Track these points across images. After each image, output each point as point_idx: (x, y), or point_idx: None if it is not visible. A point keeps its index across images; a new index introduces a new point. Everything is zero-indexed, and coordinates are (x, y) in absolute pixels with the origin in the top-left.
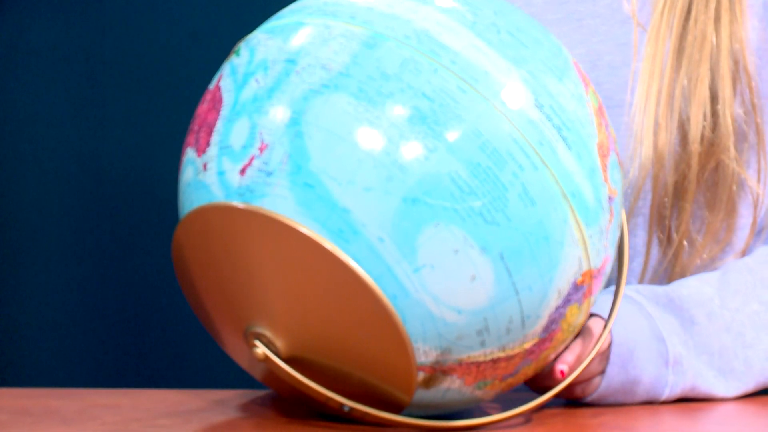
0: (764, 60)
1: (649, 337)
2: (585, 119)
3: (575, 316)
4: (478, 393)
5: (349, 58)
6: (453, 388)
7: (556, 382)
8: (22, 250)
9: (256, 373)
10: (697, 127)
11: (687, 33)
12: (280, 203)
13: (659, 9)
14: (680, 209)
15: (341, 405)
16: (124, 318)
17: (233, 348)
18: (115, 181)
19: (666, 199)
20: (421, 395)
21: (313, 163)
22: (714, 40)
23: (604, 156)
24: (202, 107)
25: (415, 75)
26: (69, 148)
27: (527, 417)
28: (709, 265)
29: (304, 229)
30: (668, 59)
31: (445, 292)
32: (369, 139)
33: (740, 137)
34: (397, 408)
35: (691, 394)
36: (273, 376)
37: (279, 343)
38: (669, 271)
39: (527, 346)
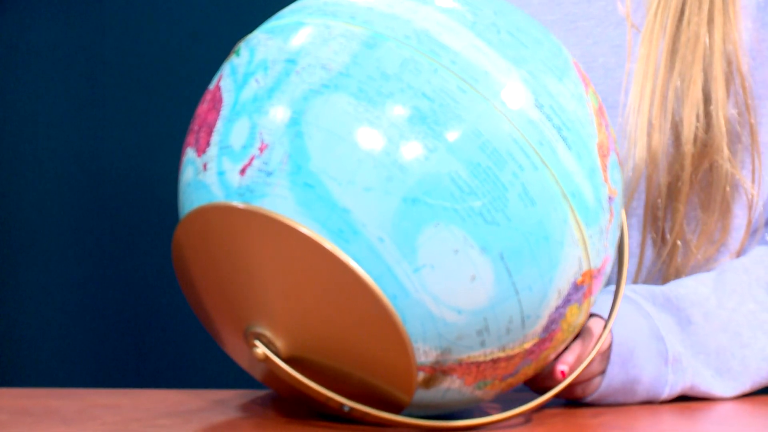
0: (758, 61)
1: (648, 337)
2: (585, 119)
3: (575, 316)
4: (478, 393)
5: (349, 58)
6: (453, 388)
7: (557, 383)
8: (22, 250)
9: (256, 373)
10: (690, 129)
11: (680, 34)
12: (280, 203)
13: (653, 10)
14: (674, 210)
15: (341, 405)
16: (124, 318)
17: (233, 348)
18: (115, 181)
19: (659, 200)
20: (421, 395)
21: (313, 163)
22: (707, 41)
23: (604, 156)
24: (202, 107)
25: (415, 75)
26: (69, 148)
27: (527, 417)
28: (704, 266)
29: (304, 229)
30: (661, 60)
31: (445, 292)
32: (369, 139)
33: (734, 138)
34: (397, 408)
35: (690, 393)
36: (273, 376)
37: (279, 343)
38: (663, 272)
39: (527, 346)
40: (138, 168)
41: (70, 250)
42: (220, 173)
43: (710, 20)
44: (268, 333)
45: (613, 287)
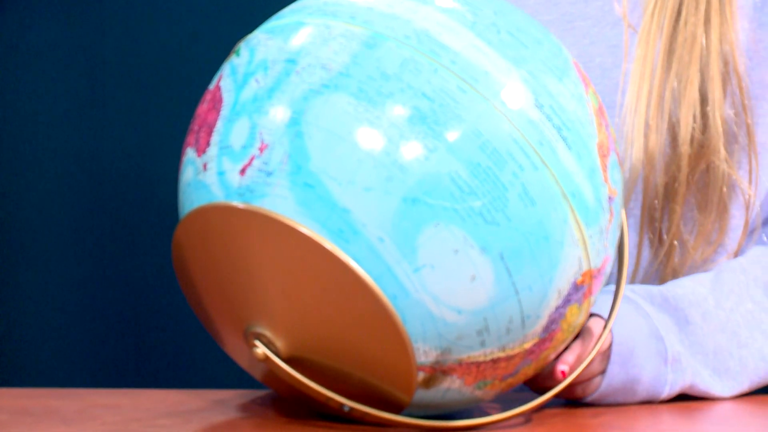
0: (754, 61)
1: (647, 336)
2: (585, 119)
3: (575, 316)
4: (478, 393)
5: (349, 58)
6: (453, 388)
7: (557, 383)
8: (22, 250)
9: (256, 373)
10: (686, 129)
11: (677, 35)
12: (280, 203)
13: (649, 11)
14: (671, 211)
15: (341, 405)
16: (124, 318)
17: (233, 348)
18: (115, 181)
19: (656, 201)
20: (421, 395)
21: (313, 163)
22: (704, 41)
23: (604, 156)
24: (202, 107)
25: (415, 75)
26: (69, 148)
27: (527, 417)
28: (701, 267)
29: (304, 229)
30: (658, 61)
31: (445, 292)
32: (369, 139)
33: (731, 138)
34: (397, 408)
35: (689, 392)
36: (273, 376)
37: (279, 343)
38: (660, 273)
39: (527, 346)
40: (138, 168)
41: (70, 250)
42: (220, 173)
43: (707, 21)
44: (268, 333)
45: (611, 287)
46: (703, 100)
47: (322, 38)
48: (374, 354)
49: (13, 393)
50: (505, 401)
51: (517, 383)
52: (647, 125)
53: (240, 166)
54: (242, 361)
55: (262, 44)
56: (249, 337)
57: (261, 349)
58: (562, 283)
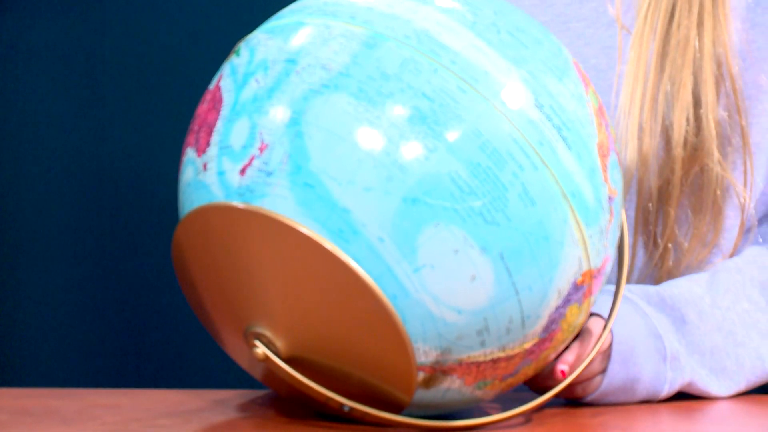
0: (747, 62)
1: (646, 335)
2: (585, 119)
3: (575, 316)
4: (478, 393)
5: (349, 58)
6: (453, 388)
7: (557, 382)
8: (22, 250)
9: (256, 373)
10: (680, 132)
11: (670, 37)
12: (280, 203)
13: (643, 13)
14: (665, 214)
15: (341, 405)
16: (124, 318)
17: (233, 348)
18: (115, 181)
19: (650, 204)
20: (421, 395)
21: (313, 163)
22: (697, 44)
23: (604, 156)
24: (202, 107)
25: (415, 75)
26: (69, 148)
27: (527, 417)
28: (696, 268)
29: (304, 229)
30: (652, 63)
31: (445, 292)
32: (369, 139)
33: (724, 141)
34: (397, 408)
35: (687, 390)
36: (273, 376)
37: (279, 343)
38: (655, 275)
39: (527, 346)
40: (138, 168)
41: (70, 250)
42: (220, 173)
43: (700, 23)
44: (268, 333)
45: (610, 287)
46: (697, 102)
47: (322, 38)
48: (374, 354)
49: (13, 393)
50: (505, 401)
51: (517, 383)
52: (641, 128)
53: (240, 166)
54: (242, 361)
55: (262, 44)
56: (249, 337)
57: (261, 349)
58: (562, 283)
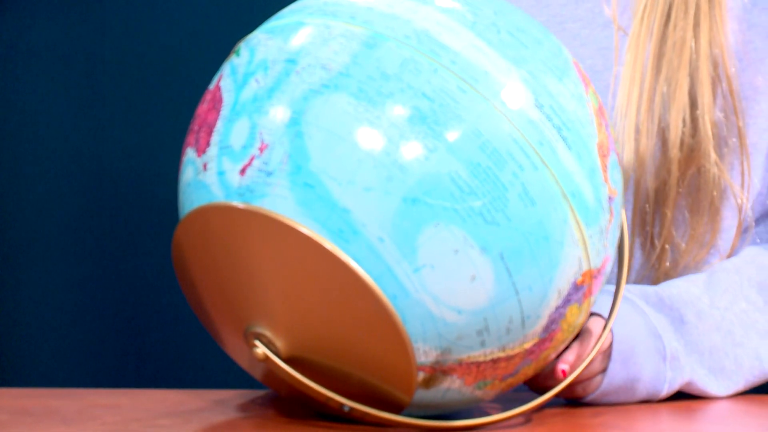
0: (744, 63)
1: (646, 335)
2: (585, 119)
3: (575, 316)
4: (478, 393)
5: (349, 58)
6: (453, 388)
7: (558, 382)
8: (22, 250)
9: (256, 373)
10: (676, 133)
11: (666, 38)
12: (280, 203)
13: (639, 14)
14: (662, 215)
15: (341, 405)
16: (124, 318)
17: (233, 348)
18: (115, 181)
19: (647, 205)
20: (421, 395)
21: (313, 163)
22: (693, 45)
23: (604, 156)
24: (202, 107)
25: (415, 75)
26: (69, 148)
27: (527, 417)
28: (694, 269)
29: (304, 229)
30: (648, 65)
31: (445, 292)
32: (369, 139)
33: (721, 141)
34: (397, 408)
35: (686, 390)
36: (273, 376)
37: (279, 343)
38: (652, 276)
39: (527, 346)
40: (138, 168)
41: (70, 250)
42: (220, 173)
43: (696, 24)
44: (268, 333)
45: (609, 287)
46: (693, 104)
47: (322, 38)
48: (374, 354)
49: (13, 393)
50: (505, 401)
51: (517, 383)
52: (637, 129)
53: (240, 166)
54: (242, 361)
55: (262, 44)
56: (249, 337)
57: (261, 349)
58: (562, 283)
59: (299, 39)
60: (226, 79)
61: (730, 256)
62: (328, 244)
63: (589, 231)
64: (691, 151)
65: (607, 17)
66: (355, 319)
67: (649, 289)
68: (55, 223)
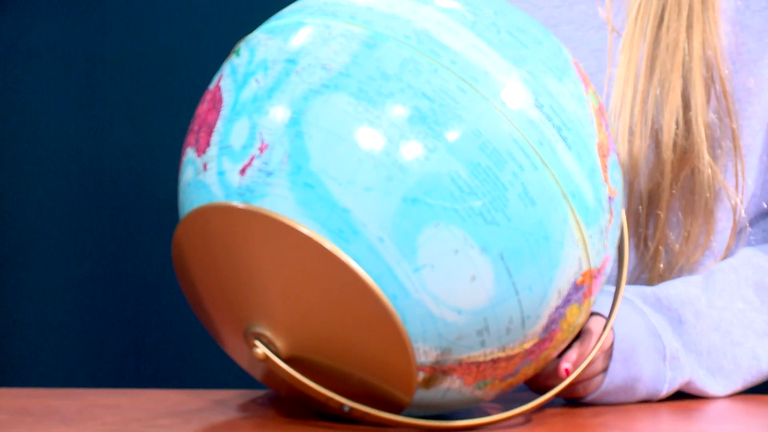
0: (738, 65)
1: (646, 334)
2: (585, 119)
3: (575, 316)
4: (478, 393)
5: (349, 58)
6: (453, 388)
7: (560, 380)
8: (22, 250)
9: (256, 373)
10: (669, 135)
11: (660, 40)
12: (280, 203)
13: (633, 16)
14: (655, 217)
15: (341, 405)
16: (124, 318)
17: (233, 348)
18: (115, 181)
19: (640, 207)
20: (421, 395)
21: (313, 163)
22: (686, 47)
23: (604, 156)
24: (202, 107)
25: (415, 75)
26: (69, 148)
27: (527, 417)
28: (689, 271)
29: (304, 229)
30: (642, 67)
31: (445, 292)
32: (369, 139)
33: (715, 143)
34: (397, 408)
35: (686, 390)
36: (273, 376)
37: (279, 343)
38: (647, 278)
39: (527, 346)
40: (138, 168)
41: (70, 250)
42: (220, 173)
43: (689, 26)
44: (268, 333)
45: (607, 287)
46: (686, 105)
47: (322, 38)
48: (374, 354)
49: (13, 393)
50: (505, 401)
51: (517, 383)
52: (631, 131)
53: (240, 166)
54: (242, 361)
55: (262, 44)
56: (249, 337)
57: (261, 349)
58: (562, 283)
59: (299, 39)
60: (226, 79)
61: (725, 257)
62: (328, 244)
63: (589, 231)
64: (685, 153)
65: (601, 19)
66: (355, 319)
67: (647, 290)
68: (55, 223)
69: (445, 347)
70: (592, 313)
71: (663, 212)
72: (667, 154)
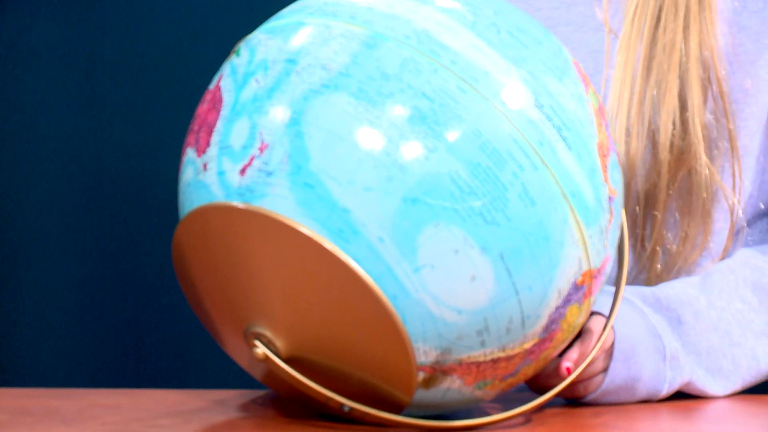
0: (734, 66)
1: (646, 334)
2: (585, 119)
3: (575, 316)
4: (478, 393)
5: (349, 58)
6: (453, 388)
7: (561, 379)
8: (22, 250)
9: (256, 373)
10: (666, 136)
11: (656, 41)
12: (280, 203)
13: (630, 17)
14: (652, 217)
15: (341, 405)
16: (124, 318)
17: (233, 348)
18: (115, 181)
19: (637, 208)
20: (421, 395)
21: (313, 163)
22: (683, 48)
23: (604, 156)
24: (202, 107)
25: (415, 75)
26: (69, 148)
27: (527, 417)
28: (687, 271)
29: (304, 229)
30: (639, 67)
31: (445, 292)
32: (369, 139)
33: (712, 144)
34: (397, 408)
35: (686, 390)
36: (273, 376)
37: (279, 343)
38: (644, 278)
39: (527, 346)
40: (138, 168)
41: (70, 250)
42: (220, 173)
43: (686, 27)
44: (268, 333)
45: (607, 288)
46: (683, 106)
47: (322, 38)
48: (374, 354)
49: (13, 393)
50: (505, 401)
51: (517, 383)
52: (628, 132)
53: (240, 166)
54: (242, 361)
55: (262, 44)
56: (249, 337)
57: (261, 349)
58: (562, 283)
59: (299, 39)
60: (226, 79)
61: (722, 258)
62: (328, 244)
63: (589, 231)
64: (681, 154)
65: (598, 20)
66: (355, 319)
67: (646, 290)
68: (55, 223)
69: (445, 347)
70: (592, 313)
71: (660, 213)
72: (664, 154)
